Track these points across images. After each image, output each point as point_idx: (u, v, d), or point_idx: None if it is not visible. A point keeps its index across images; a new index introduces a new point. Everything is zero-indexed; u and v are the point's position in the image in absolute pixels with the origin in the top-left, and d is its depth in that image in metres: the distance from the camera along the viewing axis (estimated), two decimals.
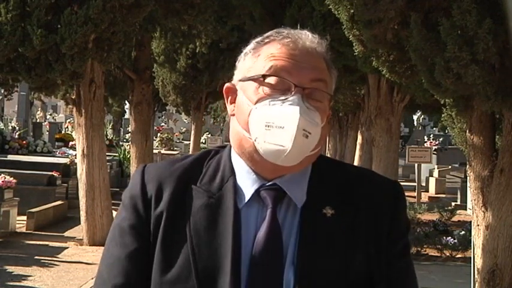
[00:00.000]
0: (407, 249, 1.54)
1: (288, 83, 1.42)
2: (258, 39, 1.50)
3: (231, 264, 1.39)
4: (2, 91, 14.29)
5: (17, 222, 11.03)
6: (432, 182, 20.58)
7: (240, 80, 1.49)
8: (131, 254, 1.47)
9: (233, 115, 1.51)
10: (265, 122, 1.40)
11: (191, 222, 1.44)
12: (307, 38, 1.48)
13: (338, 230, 1.44)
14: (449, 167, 20.20)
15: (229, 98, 1.52)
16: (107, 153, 11.77)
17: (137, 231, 1.47)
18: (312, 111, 1.42)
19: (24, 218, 11.17)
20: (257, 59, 1.47)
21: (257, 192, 1.46)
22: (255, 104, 1.43)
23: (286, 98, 1.41)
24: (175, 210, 1.46)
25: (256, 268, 1.41)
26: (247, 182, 1.47)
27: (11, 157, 14.97)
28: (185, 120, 32.57)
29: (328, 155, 35.69)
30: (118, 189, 15.79)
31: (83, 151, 9.97)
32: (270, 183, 1.46)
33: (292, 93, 1.41)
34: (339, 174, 1.52)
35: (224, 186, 1.47)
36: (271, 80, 1.43)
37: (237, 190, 1.46)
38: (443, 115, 6.58)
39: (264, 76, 1.44)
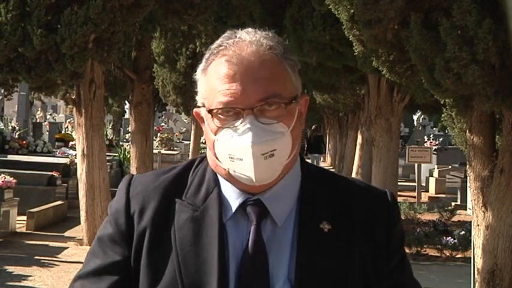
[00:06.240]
0: (405, 258, 1.54)
1: (236, 108, 1.38)
2: (207, 54, 1.46)
3: (217, 280, 1.38)
4: (2, 91, 14.28)
5: (17, 222, 11.03)
6: (432, 182, 20.57)
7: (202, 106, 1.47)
8: (110, 266, 1.47)
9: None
10: (228, 155, 1.39)
11: (177, 237, 1.43)
12: (245, 43, 1.41)
13: (336, 245, 1.43)
14: (449, 167, 20.18)
15: (201, 121, 1.49)
16: (107, 153, 11.77)
17: (117, 245, 1.47)
18: (272, 125, 1.38)
19: (24, 218, 11.17)
20: (206, 84, 1.44)
21: (242, 206, 1.44)
22: (215, 134, 1.41)
23: (240, 123, 1.38)
24: (160, 225, 1.45)
25: (243, 284, 1.40)
26: (232, 195, 1.45)
27: (11, 157, 14.96)
28: (185, 120, 32.55)
29: (328, 155, 35.67)
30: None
31: (83, 151, 9.96)
32: (254, 198, 1.44)
33: (244, 115, 1.37)
34: (330, 187, 1.50)
35: (209, 197, 1.46)
36: (220, 111, 1.40)
37: (222, 202, 1.45)
38: (443, 115, 6.58)
39: (211, 111, 1.41)
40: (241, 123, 1.38)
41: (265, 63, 1.40)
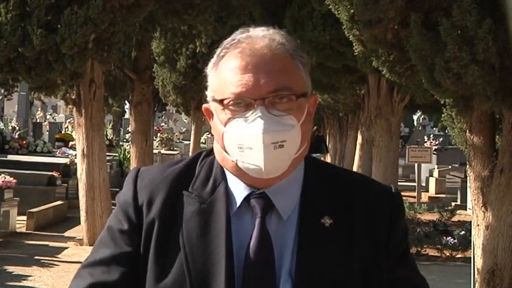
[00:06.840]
0: (408, 253, 1.54)
1: (247, 99, 1.40)
2: (219, 50, 1.47)
3: (224, 272, 1.39)
4: (2, 91, 14.29)
5: (17, 222, 11.03)
6: (432, 182, 20.57)
7: (211, 100, 1.48)
8: (119, 256, 1.47)
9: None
10: (237, 145, 1.40)
11: (184, 229, 1.44)
12: (258, 37, 1.44)
13: (337, 239, 1.43)
14: (449, 167, 20.18)
15: (210, 117, 1.50)
16: (107, 153, 11.77)
17: (127, 236, 1.48)
18: (282, 117, 1.39)
19: (24, 218, 11.17)
20: (217, 77, 1.45)
21: (247, 199, 1.45)
22: (225, 126, 1.42)
23: (251, 114, 1.39)
24: (168, 217, 1.46)
25: (250, 276, 1.41)
26: (237, 188, 1.46)
27: (11, 157, 14.96)
28: (185, 120, 32.54)
29: (328, 155, 35.68)
30: (118, 189, 15.74)
31: (83, 151, 9.96)
32: (259, 191, 1.45)
33: (255, 106, 1.39)
34: (334, 181, 1.50)
35: (216, 190, 1.46)
36: (231, 102, 1.41)
37: (228, 195, 1.46)
38: (443, 115, 6.58)
39: (222, 101, 1.42)
40: (252, 113, 1.39)
41: (277, 56, 1.42)
